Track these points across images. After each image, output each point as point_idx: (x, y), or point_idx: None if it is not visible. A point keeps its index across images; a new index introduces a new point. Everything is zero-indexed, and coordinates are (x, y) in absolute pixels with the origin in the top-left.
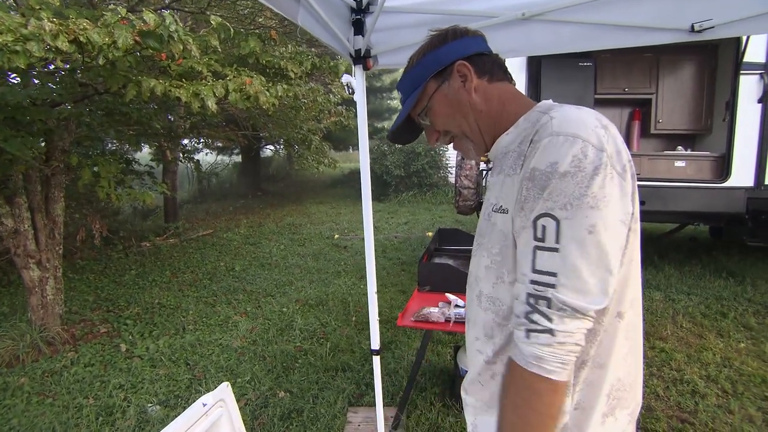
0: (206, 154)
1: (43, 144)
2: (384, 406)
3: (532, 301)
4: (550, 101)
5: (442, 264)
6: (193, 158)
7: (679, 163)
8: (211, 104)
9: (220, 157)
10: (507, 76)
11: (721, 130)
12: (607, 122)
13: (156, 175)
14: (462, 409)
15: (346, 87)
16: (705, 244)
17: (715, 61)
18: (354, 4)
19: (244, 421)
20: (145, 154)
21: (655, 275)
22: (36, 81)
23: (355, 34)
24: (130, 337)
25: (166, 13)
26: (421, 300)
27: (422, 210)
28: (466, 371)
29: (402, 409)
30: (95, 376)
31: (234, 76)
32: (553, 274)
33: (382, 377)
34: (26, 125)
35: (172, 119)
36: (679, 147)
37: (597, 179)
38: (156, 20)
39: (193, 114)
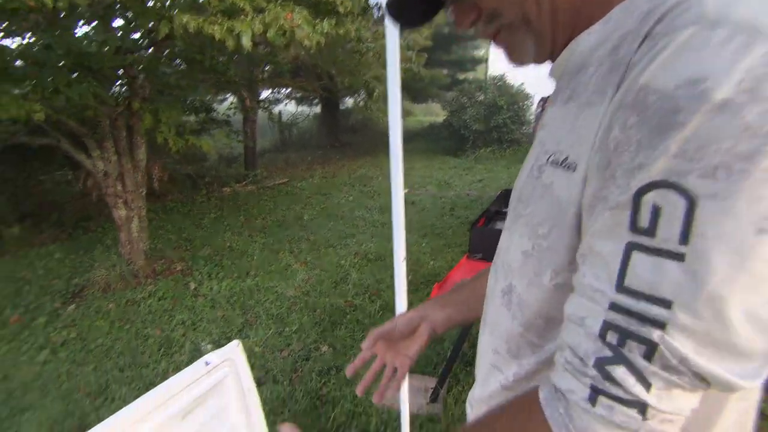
0: (285, 104)
1: (124, 91)
2: (426, 375)
3: (613, 338)
4: None
5: (499, 231)
6: (271, 109)
7: None
8: (246, 41)
9: (300, 108)
10: None
11: None
12: None
13: (234, 124)
14: None
15: (374, 9)
16: None
17: None
18: None
19: (283, 370)
20: (227, 104)
21: None
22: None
23: None
24: (200, 276)
25: None
26: (468, 269)
27: (500, 168)
28: None
29: (442, 382)
30: (165, 309)
31: (273, 9)
32: (666, 303)
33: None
34: (96, 72)
35: (253, 69)
36: None
37: None
38: None
39: (269, 62)
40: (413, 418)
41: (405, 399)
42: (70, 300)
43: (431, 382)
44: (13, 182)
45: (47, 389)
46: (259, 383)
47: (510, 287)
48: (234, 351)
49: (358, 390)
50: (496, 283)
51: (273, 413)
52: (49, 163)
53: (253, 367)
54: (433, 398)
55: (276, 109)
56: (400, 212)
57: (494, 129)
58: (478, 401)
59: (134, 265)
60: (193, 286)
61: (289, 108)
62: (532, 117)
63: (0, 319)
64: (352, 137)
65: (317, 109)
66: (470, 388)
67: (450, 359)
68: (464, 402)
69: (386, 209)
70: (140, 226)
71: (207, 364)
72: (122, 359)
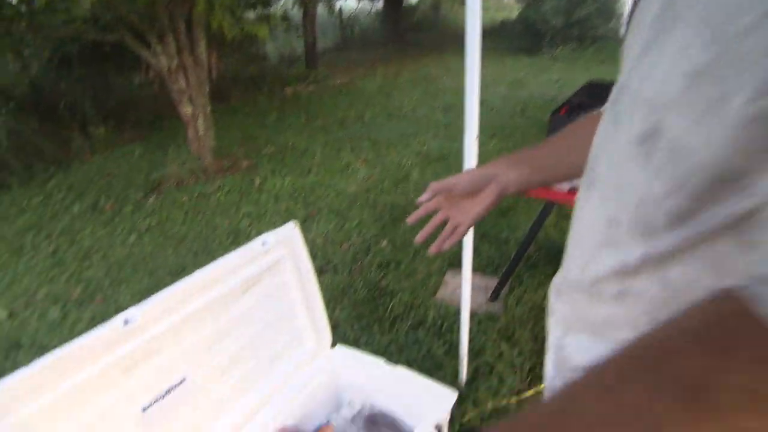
0: (345, 0)
1: None
2: (486, 275)
3: None
4: None
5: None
6: (332, 3)
7: None
8: None
9: (361, 4)
10: None
11: None
12: None
13: (293, 21)
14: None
15: None
16: None
17: None
18: None
19: (343, 261)
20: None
21: None
22: None
23: None
24: (264, 173)
25: None
26: None
27: (579, 68)
28: None
29: (504, 282)
30: (232, 203)
31: None
32: None
33: (491, 244)
34: None
35: None
36: None
37: None
38: None
39: None
40: (471, 315)
41: (467, 294)
42: (150, 192)
43: (492, 282)
44: (92, 83)
45: (137, 267)
46: (320, 272)
47: (655, 131)
48: (291, 232)
49: (418, 239)
50: (619, 131)
51: (333, 301)
52: (122, 64)
53: (314, 257)
54: (494, 297)
55: (336, 4)
56: (476, 81)
57: (576, 24)
58: (573, 287)
59: (203, 162)
60: (257, 181)
61: (349, 4)
62: (625, 10)
63: (98, 207)
64: (416, 35)
65: (379, 4)
66: (533, 290)
67: (514, 259)
68: (525, 303)
69: (451, 109)
70: (206, 124)
71: (264, 243)
72: (195, 245)
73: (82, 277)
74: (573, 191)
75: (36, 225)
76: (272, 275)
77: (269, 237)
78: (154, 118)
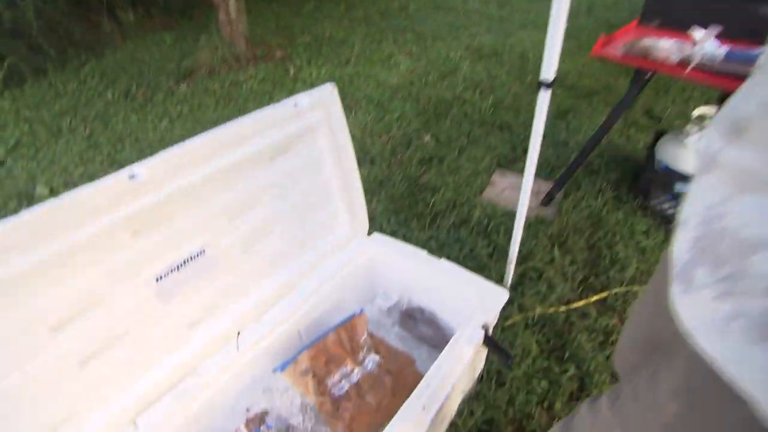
0: None
1: None
2: (541, 179)
3: None
4: None
5: None
6: None
7: None
8: None
9: None
10: None
11: None
12: None
13: None
14: None
15: None
16: None
17: None
18: None
19: (382, 154)
20: None
21: None
22: None
23: None
24: (299, 62)
25: None
26: (638, 34)
27: None
28: (665, 166)
29: (560, 185)
30: (265, 91)
31: None
32: None
33: (547, 146)
34: None
35: None
36: None
37: None
38: None
39: None
40: None
41: (526, 194)
42: (181, 80)
43: (545, 186)
44: None
45: None
46: (357, 164)
47: None
48: (328, 95)
49: None
50: None
51: (370, 193)
52: None
53: None
54: (546, 201)
55: None
56: None
57: None
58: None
59: (235, 49)
60: (292, 70)
61: None
62: None
63: (130, 94)
64: None
65: None
66: (593, 197)
67: (573, 164)
68: (582, 210)
69: (506, 3)
70: (237, 6)
71: (296, 105)
72: None
73: (115, 159)
74: (683, 63)
75: (72, 109)
76: (305, 143)
77: (302, 98)
78: (183, 6)
